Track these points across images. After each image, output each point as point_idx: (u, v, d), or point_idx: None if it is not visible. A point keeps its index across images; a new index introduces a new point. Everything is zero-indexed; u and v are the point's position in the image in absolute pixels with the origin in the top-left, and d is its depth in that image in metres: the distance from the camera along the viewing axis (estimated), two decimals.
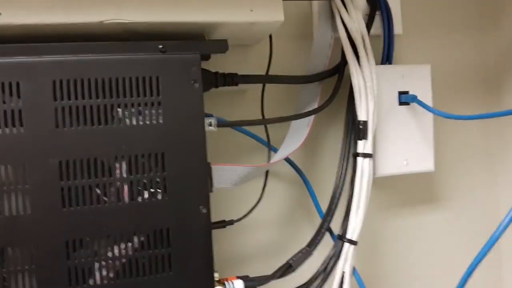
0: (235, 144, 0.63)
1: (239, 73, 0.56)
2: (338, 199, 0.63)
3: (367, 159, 0.61)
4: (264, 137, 0.63)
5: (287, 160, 0.63)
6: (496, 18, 0.79)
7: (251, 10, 0.50)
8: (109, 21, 0.46)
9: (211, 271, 0.50)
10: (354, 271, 0.62)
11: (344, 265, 0.60)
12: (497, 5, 0.78)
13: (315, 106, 0.62)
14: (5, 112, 0.44)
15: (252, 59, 0.62)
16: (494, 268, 0.78)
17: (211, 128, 0.51)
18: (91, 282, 0.47)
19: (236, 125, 0.59)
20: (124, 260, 0.48)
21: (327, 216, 0.62)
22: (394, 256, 0.73)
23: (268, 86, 0.64)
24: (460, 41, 0.77)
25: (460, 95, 0.77)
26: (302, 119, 0.61)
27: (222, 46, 0.52)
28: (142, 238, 0.48)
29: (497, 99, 0.78)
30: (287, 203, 0.67)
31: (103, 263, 0.47)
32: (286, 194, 0.67)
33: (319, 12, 0.65)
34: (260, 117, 0.63)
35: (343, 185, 0.63)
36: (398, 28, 0.71)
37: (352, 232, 0.60)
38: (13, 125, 0.44)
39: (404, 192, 0.74)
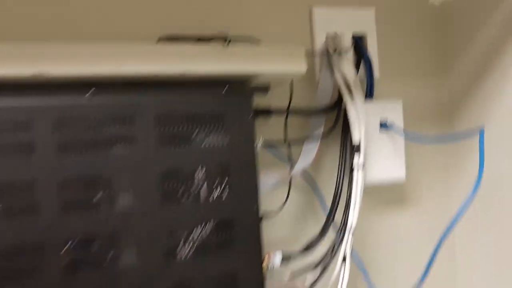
0: (266, 159, 0.80)
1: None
2: (338, 200, 0.84)
3: (361, 170, 0.82)
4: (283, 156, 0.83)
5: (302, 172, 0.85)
6: (449, 66, 0.97)
7: (284, 65, 0.71)
8: (190, 72, 0.66)
9: (261, 248, 0.69)
10: (353, 252, 0.83)
11: (345, 248, 0.81)
12: (449, 55, 0.97)
13: (321, 131, 0.84)
14: (120, 136, 0.63)
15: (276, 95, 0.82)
16: (449, 261, 0.99)
17: (259, 146, 0.71)
18: (179, 255, 0.66)
19: (273, 145, 0.79)
20: (202, 240, 0.67)
21: (331, 212, 0.83)
22: (376, 246, 0.93)
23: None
24: (422, 83, 0.96)
25: (423, 123, 0.95)
26: (313, 141, 0.83)
27: (265, 89, 0.72)
28: (214, 226, 0.68)
29: (450, 127, 0.97)
30: (297, 204, 0.88)
31: (188, 243, 0.66)
32: (297, 198, 0.88)
33: (320, 64, 0.86)
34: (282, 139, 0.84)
35: (341, 189, 0.84)
36: (376, 73, 0.90)
37: (351, 223, 0.81)
38: (131, 144, 0.64)
39: (382, 197, 0.94)
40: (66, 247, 0.60)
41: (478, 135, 0.73)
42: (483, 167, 0.71)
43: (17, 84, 0.60)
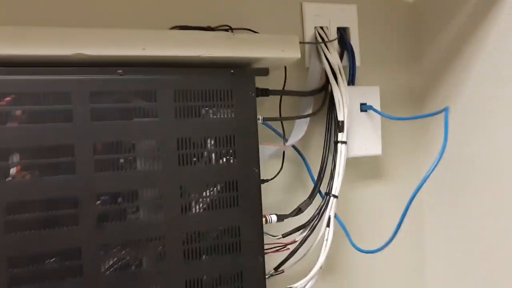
0: (263, 133, 0.91)
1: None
2: (324, 170, 0.97)
3: (344, 145, 0.94)
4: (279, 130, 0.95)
5: (293, 145, 0.97)
6: (420, 55, 1.11)
7: (282, 51, 0.84)
8: (203, 55, 0.78)
9: (260, 208, 0.81)
10: (335, 215, 0.95)
11: (330, 211, 0.93)
12: (421, 46, 1.11)
13: (310, 111, 0.96)
14: (144, 108, 0.75)
15: (272, 79, 0.93)
16: (417, 222, 1.14)
17: (260, 121, 0.83)
18: (192, 210, 0.78)
19: (271, 120, 0.91)
20: (212, 198, 0.79)
21: (318, 181, 0.96)
22: (356, 210, 1.06)
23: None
24: (397, 70, 1.09)
25: (398, 105, 1.08)
26: (304, 119, 0.95)
27: (265, 71, 0.84)
28: (221, 186, 0.80)
29: (421, 107, 1.10)
30: (289, 175, 1.00)
31: (201, 200, 0.78)
32: (288, 169, 1.00)
33: (309, 52, 0.98)
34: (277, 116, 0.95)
35: (326, 161, 0.97)
36: (358, 61, 1.02)
37: (335, 190, 0.93)
38: (153, 116, 0.75)
39: (362, 169, 1.06)
40: (98, 201, 0.72)
41: (444, 114, 0.86)
42: (446, 140, 0.84)
43: (61, 62, 0.71)
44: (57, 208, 0.70)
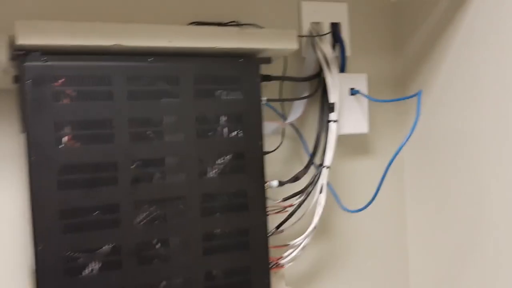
0: (266, 113, 1.03)
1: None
2: (318, 145, 1.13)
3: (335, 123, 1.09)
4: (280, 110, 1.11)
5: (291, 123, 1.13)
6: (402, 46, 1.26)
7: (282, 43, 0.98)
8: (218, 47, 0.93)
9: (263, 174, 0.96)
10: (328, 183, 1.12)
11: (323, 180, 1.09)
12: (403, 39, 1.26)
13: (307, 93, 1.12)
14: (169, 89, 0.91)
15: (274, 67, 1.08)
16: (398, 188, 1.31)
17: (263, 102, 0.99)
18: (208, 175, 0.94)
19: (273, 101, 1.06)
20: (223, 166, 0.95)
21: (313, 154, 1.12)
22: (346, 180, 1.22)
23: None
24: (382, 59, 1.25)
25: (383, 90, 1.24)
26: (301, 100, 1.11)
27: (268, 60, 1.00)
28: (231, 155, 0.96)
29: (402, 91, 1.26)
30: (287, 148, 1.16)
31: (215, 167, 0.94)
32: (287, 144, 1.15)
33: (306, 44, 1.14)
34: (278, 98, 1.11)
35: (320, 137, 1.13)
36: (348, 52, 1.17)
37: (327, 162, 1.08)
38: (176, 97, 0.91)
39: (350, 145, 1.22)
40: (132, 165, 0.88)
41: (417, 96, 1.03)
42: (418, 116, 1.01)
43: (103, 51, 0.87)
44: (99, 170, 0.85)
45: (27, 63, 0.81)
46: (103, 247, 0.85)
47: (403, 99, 1.16)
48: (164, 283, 0.89)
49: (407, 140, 1.00)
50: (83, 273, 0.84)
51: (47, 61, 0.82)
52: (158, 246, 0.89)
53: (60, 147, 0.83)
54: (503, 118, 0.99)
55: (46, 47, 0.82)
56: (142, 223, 0.88)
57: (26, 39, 0.79)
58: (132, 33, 0.86)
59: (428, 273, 1.23)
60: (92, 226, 0.85)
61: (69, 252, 0.83)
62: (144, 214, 0.89)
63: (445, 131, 1.14)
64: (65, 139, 0.83)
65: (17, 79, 0.85)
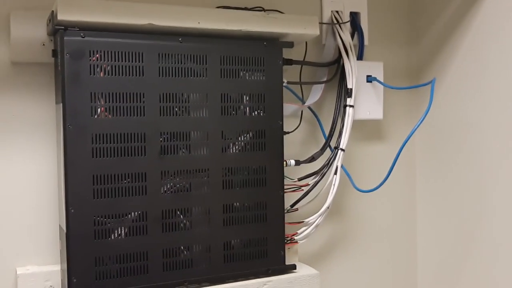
0: (286, 95, 1.08)
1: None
2: (334, 129, 1.18)
3: (351, 108, 1.14)
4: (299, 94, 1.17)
5: (309, 107, 1.18)
6: (418, 37, 1.30)
7: (304, 28, 1.04)
8: (244, 29, 0.98)
9: (282, 153, 1.02)
10: (342, 165, 1.17)
11: (337, 162, 1.14)
12: (419, 29, 1.30)
13: (325, 78, 1.17)
14: (197, 68, 0.96)
15: (295, 52, 1.13)
16: (410, 172, 1.36)
17: (284, 84, 1.05)
18: (230, 151, 0.99)
19: (293, 84, 1.11)
20: (245, 142, 1.01)
21: (329, 137, 1.17)
22: (359, 162, 1.27)
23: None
24: (397, 49, 1.29)
25: (398, 78, 1.28)
26: (319, 85, 1.16)
27: (290, 44, 1.05)
28: (253, 133, 1.01)
29: (416, 80, 1.30)
30: (305, 131, 1.22)
31: (237, 143, 1.00)
32: (305, 126, 1.21)
33: (326, 31, 1.19)
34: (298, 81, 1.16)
35: (336, 121, 1.18)
36: (366, 40, 1.22)
37: (343, 145, 1.14)
38: (203, 76, 0.97)
39: (365, 130, 1.27)
40: (160, 138, 0.93)
41: (431, 84, 1.08)
42: (431, 103, 1.05)
43: (137, 30, 0.92)
44: (129, 141, 0.91)
45: (66, 38, 0.86)
46: (131, 213, 0.91)
47: (418, 86, 1.21)
48: (185, 250, 0.95)
49: (418, 125, 1.05)
50: (112, 237, 0.90)
51: (84, 37, 0.87)
52: (181, 215, 0.95)
53: (94, 117, 0.88)
54: None
55: (84, 24, 0.87)
56: (167, 192, 0.94)
57: (65, 15, 0.85)
58: (164, 14, 0.91)
59: (436, 253, 1.29)
60: (121, 193, 0.90)
61: (99, 217, 0.89)
62: (170, 185, 0.94)
63: (457, 118, 1.19)
64: (99, 110, 0.89)
65: (55, 53, 0.91)
